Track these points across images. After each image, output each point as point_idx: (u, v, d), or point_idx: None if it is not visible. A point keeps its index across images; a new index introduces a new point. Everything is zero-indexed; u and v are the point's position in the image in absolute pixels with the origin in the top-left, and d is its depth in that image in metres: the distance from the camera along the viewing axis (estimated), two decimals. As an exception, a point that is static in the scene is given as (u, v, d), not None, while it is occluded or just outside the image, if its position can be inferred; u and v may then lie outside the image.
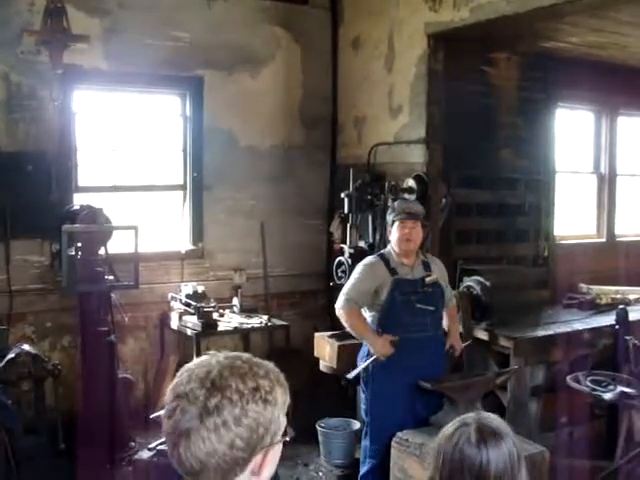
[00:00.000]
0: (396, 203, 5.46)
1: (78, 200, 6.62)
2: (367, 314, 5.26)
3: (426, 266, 5.34)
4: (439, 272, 5.42)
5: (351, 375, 5.40)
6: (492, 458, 2.15)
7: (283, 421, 1.75)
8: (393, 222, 5.24)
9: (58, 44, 5.50)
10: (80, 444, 5.55)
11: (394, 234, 5.24)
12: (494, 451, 2.15)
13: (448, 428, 2.26)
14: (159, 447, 4.40)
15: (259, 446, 1.67)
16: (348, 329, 5.39)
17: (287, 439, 1.76)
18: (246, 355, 1.78)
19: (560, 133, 8.63)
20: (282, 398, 1.74)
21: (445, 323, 5.48)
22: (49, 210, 6.42)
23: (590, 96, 8.92)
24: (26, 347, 5.63)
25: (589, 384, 5.32)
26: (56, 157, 6.56)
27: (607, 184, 9.49)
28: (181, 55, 7.17)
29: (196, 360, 1.76)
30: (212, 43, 7.32)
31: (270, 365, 1.77)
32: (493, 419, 2.27)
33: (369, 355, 5.21)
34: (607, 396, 5.18)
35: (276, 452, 1.73)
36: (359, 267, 5.35)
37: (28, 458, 5.09)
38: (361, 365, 5.25)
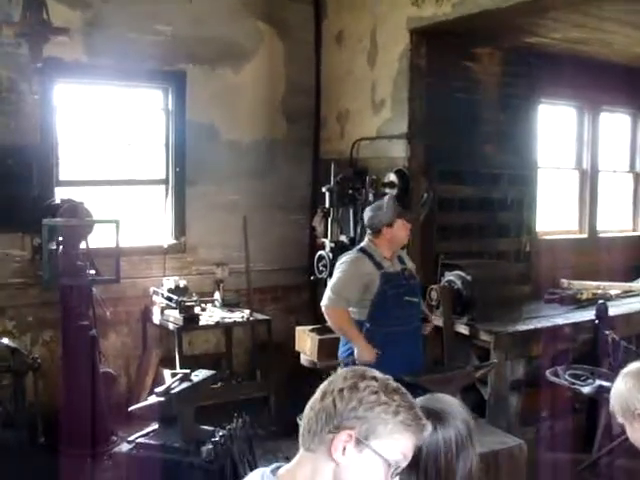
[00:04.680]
0: (390, 201, 5.41)
1: (59, 194, 6.60)
2: (353, 309, 5.24)
3: (400, 259, 5.38)
4: (411, 264, 5.48)
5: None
6: (425, 442, 2.13)
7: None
8: (393, 220, 5.24)
9: (38, 37, 5.45)
10: (61, 438, 5.55)
11: (397, 232, 5.24)
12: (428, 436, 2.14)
13: None
14: (139, 440, 4.39)
15: (334, 427, 1.84)
16: (333, 327, 5.36)
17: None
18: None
19: (543, 129, 8.65)
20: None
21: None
22: (30, 204, 6.39)
23: (573, 92, 8.93)
24: (5, 341, 5.61)
25: (568, 378, 5.34)
26: (37, 151, 6.53)
27: (589, 180, 9.52)
28: (163, 49, 7.14)
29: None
30: (195, 37, 7.30)
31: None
32: (443, 403, 2.25)
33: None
34: (586, 390, 5.20)
35: (350, 443, 1.84)
36: (343, 264, 5.29)
37: (7, 452, 5.06)
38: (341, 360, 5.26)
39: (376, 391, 1.84)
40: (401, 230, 5.28)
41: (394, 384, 1.92)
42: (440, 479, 2.16)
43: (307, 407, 1.90)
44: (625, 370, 2.75)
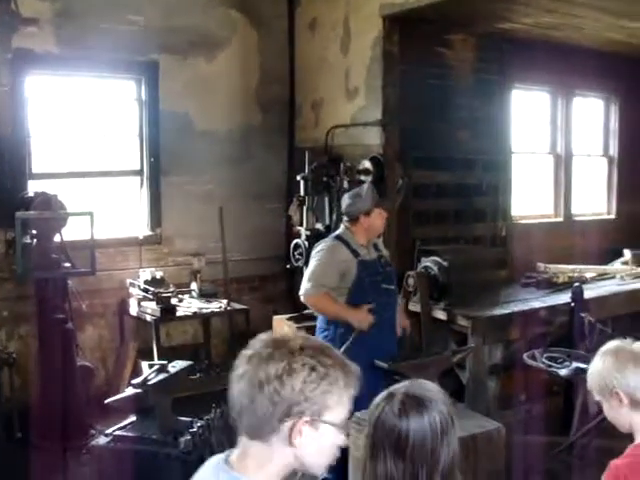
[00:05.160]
0: (368, 189, 5.39)
1: (33, 187, 6.54)
2: None
3: (375, 246, 5.39)
4: (385, 251, 5.49)
5: None
6: (412, 428, 2.15)
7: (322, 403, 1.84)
8: (371, 209, 5.24)
9: (6, 27, 5.40)
10: (37, 433, 5.52)
11: (374, 221, 5.24)
12: (415, 421, 2.16)
13: (377, 399, 2.28)
14: (116, 432, 4.37)
15: (288, 412, 1.80)
16: (319, 313, 5.35)
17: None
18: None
19: (516, 114, 8.69)
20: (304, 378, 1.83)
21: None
22: (3, 197, 6.34)
23: (546, 77, 8.98)
24: (-21, 336, 5.57)
25: (545, 361, 5.37)
26: (9, 143, 6.46)
27: (563, 164, 9.57)
28: (135, 39, 7.09)
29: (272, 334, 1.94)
30: (167, 27, 7.25)
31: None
32: (424, 388, 2.27)
33: (345, 336, 5.19)
34: (562, 372, 5.24)
35: (309, 427, 1.83)
36: (320, 252, 5.26)
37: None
38: (347, 343, 5.23)
39: (313, 366, 1.81)
40: (378, 219, 5.28)
41: (317, 343, 1.92)
42: (427, 464, 2.17)
43: (241, 397, 1.84)
44: (603, 349, 2.79)
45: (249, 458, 1.87)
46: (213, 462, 1.96)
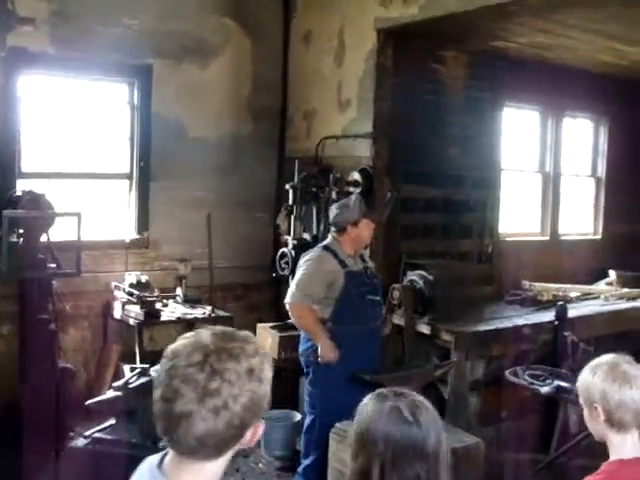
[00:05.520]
0: (356, 200, 5.42)
1: (21, 186, 6.51)
2: (316, 307, 5.25)
3: (361, 257, 5.42)
4: (371, 263, 5.53)
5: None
6: (428, 432, 2.11)
7: (270, 393, 1.85)
8: (359, 220, 5.27)
9: (1, 25, 5.40)
10: (16, 433, 5.48)
11: (362, 232, 5.29)
12: (428, 425, 2.12)
13: (371, 409, 2.16)
14: (95, 435, 4.35)
15: (252, 421, 1.80)
16: (298, 324, 5.37)
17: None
18: (230, 330, 1.87)
19: (506, 132, 8.74)
20: (270, 373, 1.84)
21: None
22: (-10, 195, 6.31)
23: (537, 97, 9.05)
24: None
25: (527, 378, 5.39)
26: (-1, 141, 6.45)
27: (552, 183, 9.63)
28: (130, 42, 7.09)
29: (186, 340, 1.83)
30: (162, 31, 7.25)
31: (253, 338, 1.88)
32: (414, 394, 2.25)
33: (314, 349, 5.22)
34: (544, 390, 5.25)
35: (263, 423, 1.86)
36: (308, 261, 5.31)
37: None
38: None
39: (238, 373, 1.74)
40: (365, 230, 5.32)
41: (228, 332, 1.85)
42: (436, 461, 2.14)
43: (194, 423, 1.72)
44: (599, 360, 2.82)
45: (187, 476, 1.81)
46: (147, 466, 1.91)
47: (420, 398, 2.20)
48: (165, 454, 1.88)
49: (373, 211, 5.67)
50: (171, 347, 1.83)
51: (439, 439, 2.13)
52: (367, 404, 2.19)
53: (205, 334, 1.82)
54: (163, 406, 1.76)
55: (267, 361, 1.84)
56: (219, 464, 1.82)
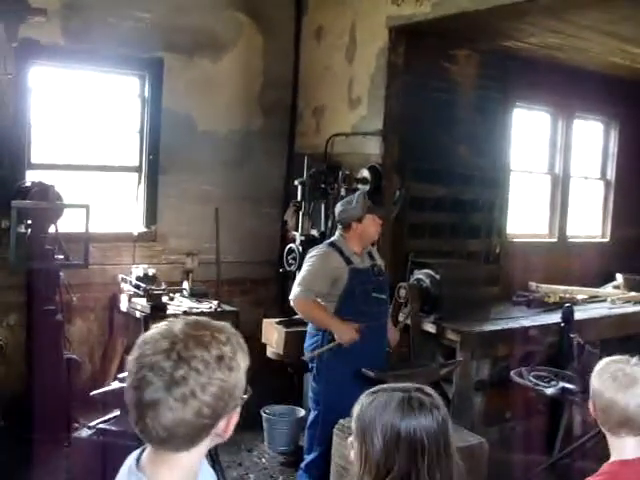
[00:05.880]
0: (360, 196, 5.42)
1: (30, 177, 6.53)
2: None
3: (369, 255, 5.40)
4: (380, 260, 5.51)
5: (307, 357, 5.37)
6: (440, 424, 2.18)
7: (244, 382, 1.81)
8: (362, 216, 5.26)
9: (14, 16, 5.41)
10: (21, 422, 5.51)
11: (367, 228, 5.27)
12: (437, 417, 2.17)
13: (380, 401, 2.21)
14: (99, 426, 4.36)
15: (224, 411, 1.75)
16: (307, 319, 5.37)
17: (245, 397, 1.84)
18: (204, 320, 1.82)
19: (516, 132, 8.72)
20: (244, 362, 1.81)
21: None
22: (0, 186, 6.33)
23: (547, 98, 9.02)
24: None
25: (532, 379, 5.39)
26: (9, 132, 6.44)
27: (560, 185, 9.60)
28: (142, 36, 7.09)
29: (156, 329, 1.78)
30: (174, 25, 7.25)
31: (229, 328, 1.84)
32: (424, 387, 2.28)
33: (325, 342, 5.21)
34: (549, 391, 5.25)
35: (238, 413, 1.82)
36: (313, 257, 5.30)
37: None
38: (322, 349, 5.23)
39: (206, 361, 1.70)
40: (371, 226, 5.30)
41: (202, 321, 1.80)
42: (447, 456, 2.16)
43: (162, 412, 1.67)
44: (614, 358, 2.76)
45: (167, 472, 1.78)
46: (127, 462, 1.88)
47: (433, 395, 2.23)
48: (143, 450, 1.84)
49: (378, 207, 5.65)
50: (142, 335, 1.78)
51: (442, 435, 2.19)
52: (388, 403, 2.21)
53: (178, 323, 1.77)
54: (133, 395, 1.71)
55: (241, 349, 1.80)
56: (193, 456, 1.79)
